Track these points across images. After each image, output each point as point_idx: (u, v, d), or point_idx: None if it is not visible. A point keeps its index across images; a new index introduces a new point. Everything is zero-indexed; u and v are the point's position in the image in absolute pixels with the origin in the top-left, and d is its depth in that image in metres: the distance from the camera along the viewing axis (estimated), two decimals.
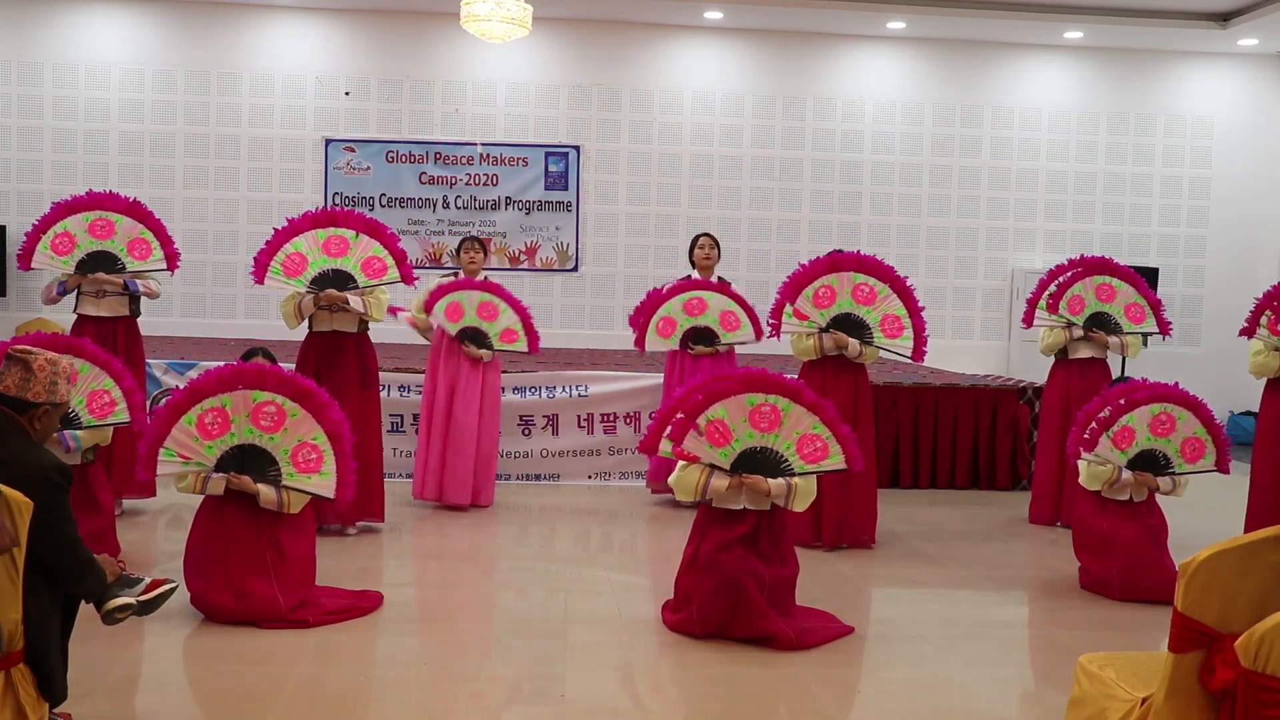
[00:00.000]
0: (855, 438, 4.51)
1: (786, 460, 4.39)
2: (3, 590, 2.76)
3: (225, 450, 4.42)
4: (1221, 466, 5.41)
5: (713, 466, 4.38)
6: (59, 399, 3.13)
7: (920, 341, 5.96)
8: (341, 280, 5.88)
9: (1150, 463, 5.31)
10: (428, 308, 6.73)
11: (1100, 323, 6.82)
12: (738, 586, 4.27)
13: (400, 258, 6.02)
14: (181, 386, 7.34)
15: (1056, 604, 5.24)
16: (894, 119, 11.31)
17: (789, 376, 4.57)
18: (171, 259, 6.30)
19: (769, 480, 4.34)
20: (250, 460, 4.45)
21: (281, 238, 5.91)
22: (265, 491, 4.43)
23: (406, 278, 6.03)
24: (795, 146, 11.22)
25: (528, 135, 10.99)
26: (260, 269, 5.83)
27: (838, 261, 6.05)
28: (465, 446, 6.70)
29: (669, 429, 4.40)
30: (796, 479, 4.38)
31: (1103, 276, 6.86)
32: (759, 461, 4.38)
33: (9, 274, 10.42)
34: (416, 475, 6.84)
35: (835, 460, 4.44)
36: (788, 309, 5.96)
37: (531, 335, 6.83)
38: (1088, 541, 5.40)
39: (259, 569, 4.42)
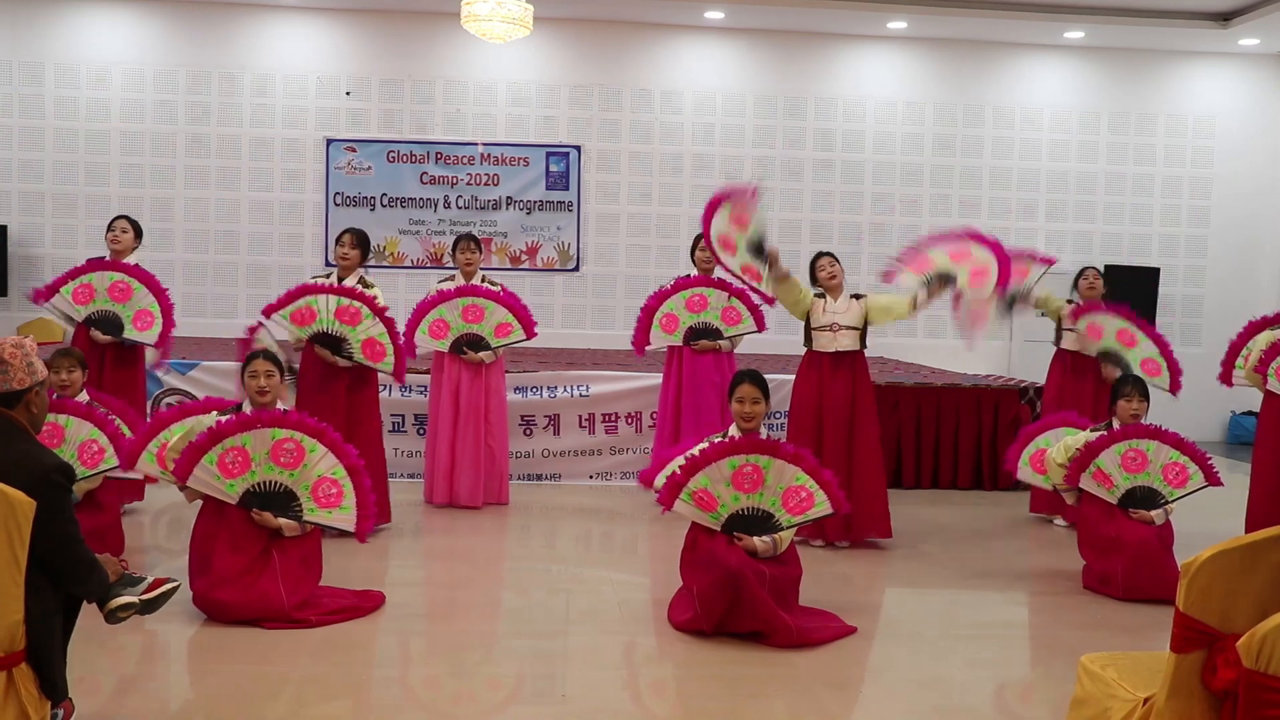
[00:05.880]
0: (838, 481, 4.63)
1: (774, 516, 4.51)
2: (4, 590, 2.76)
3: (247, 487, 4.48)
4: (1212, 480, 5.42)
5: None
6: (41, 376, 3.14)
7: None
8: (334, 344, 5.92)
9: (1140, 500, 5.36)
10: (406, 341, 6.66)
11: (1112, 361, 6.78)
12: (738, 579, 4.30)
13: (395, 341, 6.05)
14: (181, 386, 7.53)
15: (1058, 604, 5.24)
16: (895, 119, 11.30)
17: (769, 439, 4.66)
18: (163, 337, 6.38)
19: (757, 540, 4.46)
20: (272, 496, 4.51)
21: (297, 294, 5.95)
22: (288, 524, 4.51)
23: (399, 376, 6.08)
24: (796, 146, 11.21)
25: (528, 135, 10.98)
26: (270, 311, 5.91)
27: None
28: (473, 450, 6.71)
29: (659, 492, 4.56)
30: (781, 534, 4.52)
31: (1128, 323, 6.82)
32: (748, 521, 4.50)
33: (9, 274, 10.42)
34: (426, 480, 6.86)
35: (821, 507, 4.56)
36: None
37: (525, 321, 6.80)
38: (1094, 541, 5.40)
39: (262, 568, 4.44)
